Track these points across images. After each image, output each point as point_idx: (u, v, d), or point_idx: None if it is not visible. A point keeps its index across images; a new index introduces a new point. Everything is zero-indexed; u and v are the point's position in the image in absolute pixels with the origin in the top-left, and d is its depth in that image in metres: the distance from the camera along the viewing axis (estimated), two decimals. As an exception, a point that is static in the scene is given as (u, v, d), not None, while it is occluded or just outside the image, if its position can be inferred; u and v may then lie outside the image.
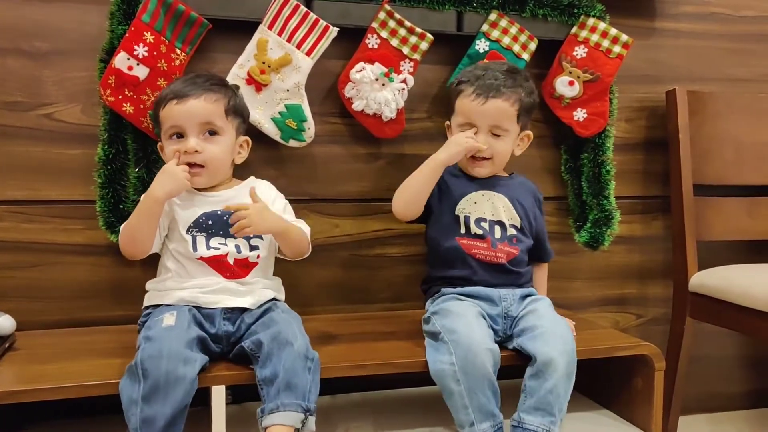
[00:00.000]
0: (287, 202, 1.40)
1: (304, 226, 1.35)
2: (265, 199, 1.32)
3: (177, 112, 1.26)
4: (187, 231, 1.27)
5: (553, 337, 1.24)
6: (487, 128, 1.37)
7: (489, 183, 1.42)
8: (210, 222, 1.28)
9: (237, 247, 1.28)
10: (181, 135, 1.28)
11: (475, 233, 1.37)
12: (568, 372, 1.21)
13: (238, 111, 1.35)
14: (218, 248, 1.27)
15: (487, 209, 1.39)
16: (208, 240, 1.27)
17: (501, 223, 1.39)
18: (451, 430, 1.38)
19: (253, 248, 1.30)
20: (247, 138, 1.38)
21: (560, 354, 1.20)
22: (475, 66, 1.45)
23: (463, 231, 1.38)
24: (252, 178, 1.40)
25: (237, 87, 1.40)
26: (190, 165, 1.27)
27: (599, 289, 1.85)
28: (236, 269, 1.28)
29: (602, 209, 1.70)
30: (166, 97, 1.28)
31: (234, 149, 1.34)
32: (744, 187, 1.83)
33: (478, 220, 1.38)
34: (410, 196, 1.37)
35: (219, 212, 1.29)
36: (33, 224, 1.46)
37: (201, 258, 1.26)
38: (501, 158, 1.40)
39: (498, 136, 1.38)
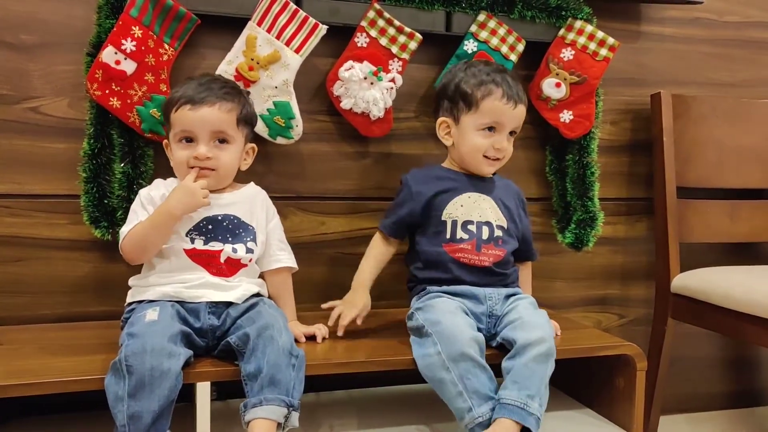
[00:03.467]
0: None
1: (290, 261, 1.39)
2: (269, 214, 1.38)
3: (189, 118, 1.26)
4: (187, 234, 1.27)
5: (533, 326, 1.26)
6: (509, 129, 1.40)
7: (475, 185, 1.43)
8: (210, 227, 1.28)
9: (233, 249, 1.29)
10: (190, 139, 1.28)
11: (461, 238, 1.38)
12: (546, 353, 1.22)
13: (248, 120, 1.35)
14: (214, 247, 1.27)
15: (474, 211, 1.40)
16: (206, 243, 1.28)
17: (488, 224, 1.40)
18: (437, 428, 1.39)
19: (249, 251, 1.30)
20: (254, 145, 1.38)
21: (538, 338, 1.22)
22: (479, 65, 1.44)
23: (448, 236, 1.38)
24: (252, 184, 1.39)
25: (248, 93, 1.40)
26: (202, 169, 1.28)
27: (582, 289, 1.86)
28: (224, 267, 1.28)
29: (586, 210, 1.71)
30: (179, 99, 1.27)
31: (241, 156, 1.35)
32: (726, 190, 1.86)
33: (465, 224, 1.39)
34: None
35: (219, 217, 1.29)
36: (17, 218, 1.45)
37: (194, 250, 1.26)
38: (508, 157, 1.44)
39: (512, 137, 1.42)
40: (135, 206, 1.30)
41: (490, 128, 1.39)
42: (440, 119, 1.44)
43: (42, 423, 1.36)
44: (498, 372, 1.29)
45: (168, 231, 1.25)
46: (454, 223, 1.39)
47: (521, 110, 1.41)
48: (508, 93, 1.38)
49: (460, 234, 1.38)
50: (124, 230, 1.27)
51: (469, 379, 1.19)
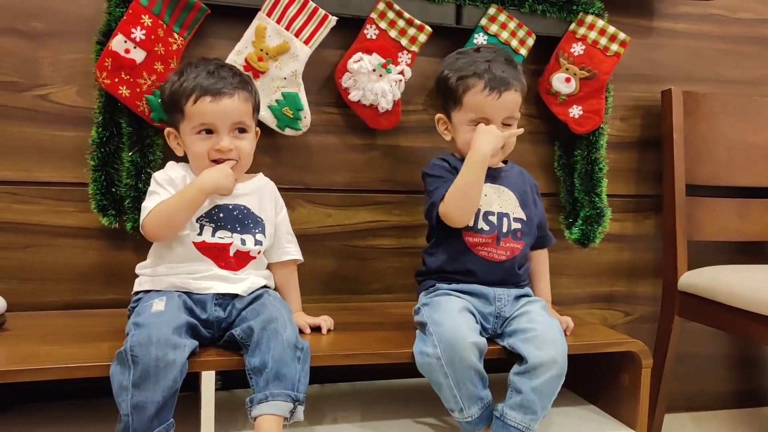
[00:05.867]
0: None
1: (297, 253, 1.40)
2: (278, 206, 1.38)
3: (212, 110, 1.25)
4: (197, 220, 1.27)
5: (546, 341, 1.24)
6: (500, 120, 1.36)
7: (495, 175, 1.40)
8: (221, 215, 1.28)
9: (242, 240, 1.28)
10: (210, 131, 1.27)
11: (481, 228, 1.35)
12: (558, 375, 1.22)
13: (258, 107, 1.36)
14: (223, 238, 1.27)
15: (494, 202, 1.38)
16: (215, 231, 1.27)
17: (507, 216, 1.38)
18: (439, 421, 1.39)
19: (257, 243, 1.30)
20: (258, 128, 1.37)
21: (552, 359, 1.21)
22: (467, 55, 1.40)
23: (470, 224, 1.35)
24: (261, 175, 1.39)
25: (250, 77, 1.39)
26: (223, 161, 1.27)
27: (589, 285, 1.86)
28: (233, 261, 1.27)
29: (594, 206, 1.71)
30: (193, 90, 1.25)
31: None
32: (735, 189, 1.85)
33: (486, 214, 1.36)
34: (472, 200, 1.32)
35: (230, 206, 1.29)
36: (25, 205, 1.45)
37: (203, 243, 1.26)
38: (512, 145, 1.40)
39: (509, 125, 1.38)
40: (154, 188, 1.27)
41: (482, 121, 1.36)
42: (437, 116, 1.44)
43: (47, 409, 1.37)
44: (496, 367, 1.29)
45: (195, 207, 1.24)
46: (478, 211, 1.36)
47: (509, 98, 1.34)
48: (490, 84, 1.33)
49: (480, 224, 1.36)
50: (147, 206, 1.24)
51: (465, 385, 1.20)
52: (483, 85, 1.34)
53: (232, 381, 1.45)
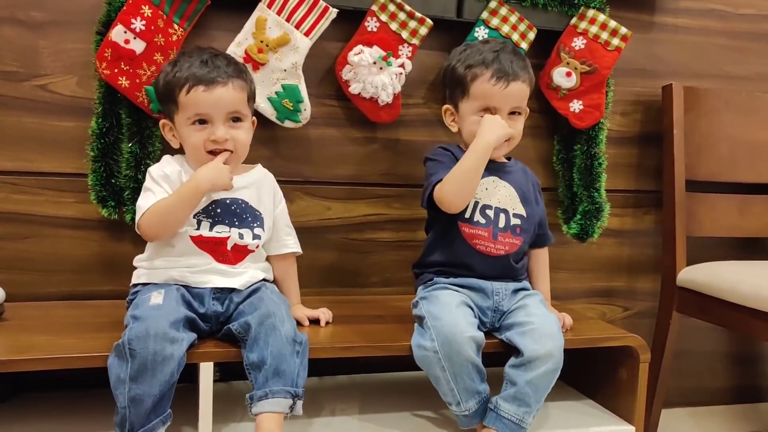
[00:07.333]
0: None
1: (296, 246, 1.40)
2: (276, 198, 1.37)
3: (205, 100, 1.23)
4: (194, 216, 1.26)
5: (543, 335, 1.24)
6: (507, 111, 1.36)
7: (498, 169, 1.40)
8: (218, 210, 1.27)
9: (240, 235, 1.28)
10: (204, 121, 1.25)
11: (477, 220, 1.35)
12: (554, 369, 1.22)
13: (254, 96, 1.35)
14: (220, 232, 1.27)
15: (494, 197, 1.37)
16: (212, 226, 1.26)
17: (505, 212, 1.38)
18: (437, 414, 1.39)
19: (256, 237, 1.30)
20: (254, 118, 1.36)
21: (548, 353, 1.22)
22: (475, 47, 1.41)
23: (467, 216, 1.35)
24: (259, 167, 1.38)
25: (245, 65, 1.38)
26: (219, 151, 1.26)
27: (588, 280, 1.86)
28: (230, 255, 1.27)
29: (592, 201, 1.70)
30: (186, 80, 1.23)
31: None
32: (736, 185, 1.85)
33: (484, 207, 1.36)
34: (469, 186, 1.31)
35: (227, 201, 1.28)
36: (25, 195, 1.45)
37: (200, 237, 1.25)
38: (518, 138, 1.40)
39: (516, 117, 1.38)
40: (149, 184, 1.26)
41: (489, 111, 1.36)
42: (444, 107, 1.44)
43: (45, 399, 1.37)
44: (495, 362, 1.29)
45: (193, 206, 1.23)
46: (476, 204, 1.36)
47: (516, 88, 1.35)
48: (497, 74, 1.34)
49: (477, 217, 1.35)
50: (142, 205, 1.24)
51: (462, 378, 1.20)
52: (490, 75, 1.34)
53: (230, 373, 1.46)
